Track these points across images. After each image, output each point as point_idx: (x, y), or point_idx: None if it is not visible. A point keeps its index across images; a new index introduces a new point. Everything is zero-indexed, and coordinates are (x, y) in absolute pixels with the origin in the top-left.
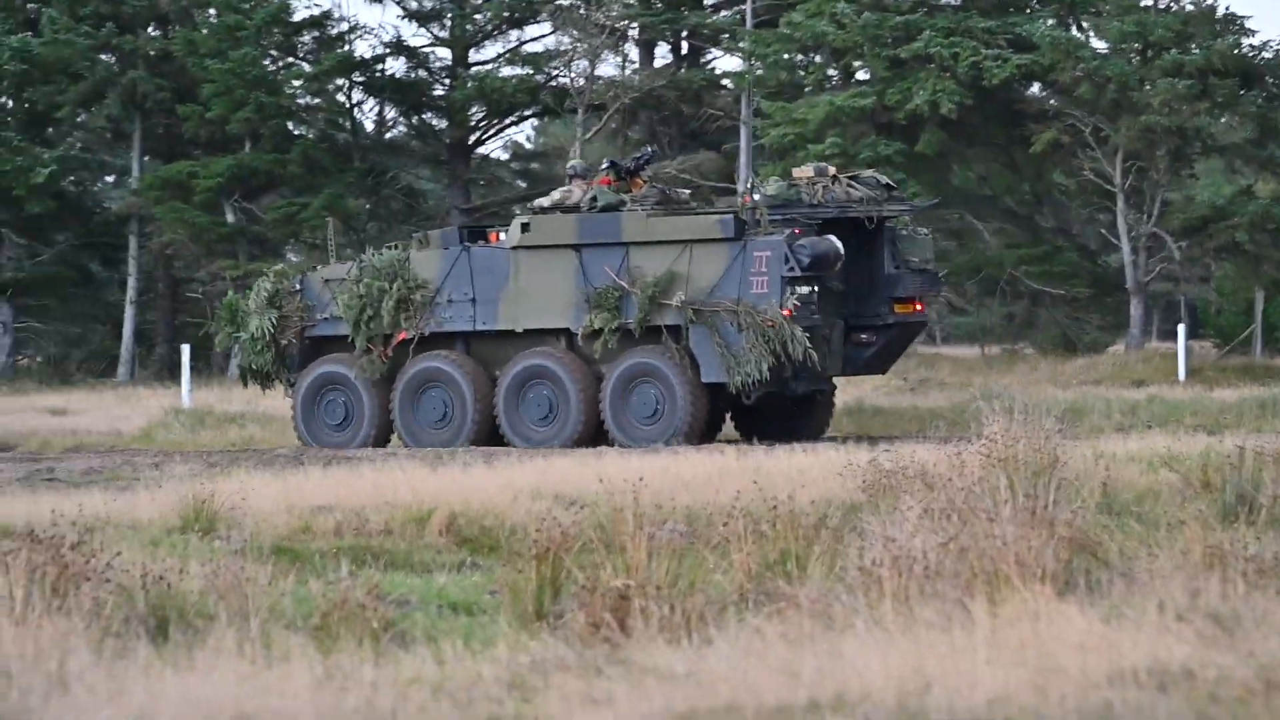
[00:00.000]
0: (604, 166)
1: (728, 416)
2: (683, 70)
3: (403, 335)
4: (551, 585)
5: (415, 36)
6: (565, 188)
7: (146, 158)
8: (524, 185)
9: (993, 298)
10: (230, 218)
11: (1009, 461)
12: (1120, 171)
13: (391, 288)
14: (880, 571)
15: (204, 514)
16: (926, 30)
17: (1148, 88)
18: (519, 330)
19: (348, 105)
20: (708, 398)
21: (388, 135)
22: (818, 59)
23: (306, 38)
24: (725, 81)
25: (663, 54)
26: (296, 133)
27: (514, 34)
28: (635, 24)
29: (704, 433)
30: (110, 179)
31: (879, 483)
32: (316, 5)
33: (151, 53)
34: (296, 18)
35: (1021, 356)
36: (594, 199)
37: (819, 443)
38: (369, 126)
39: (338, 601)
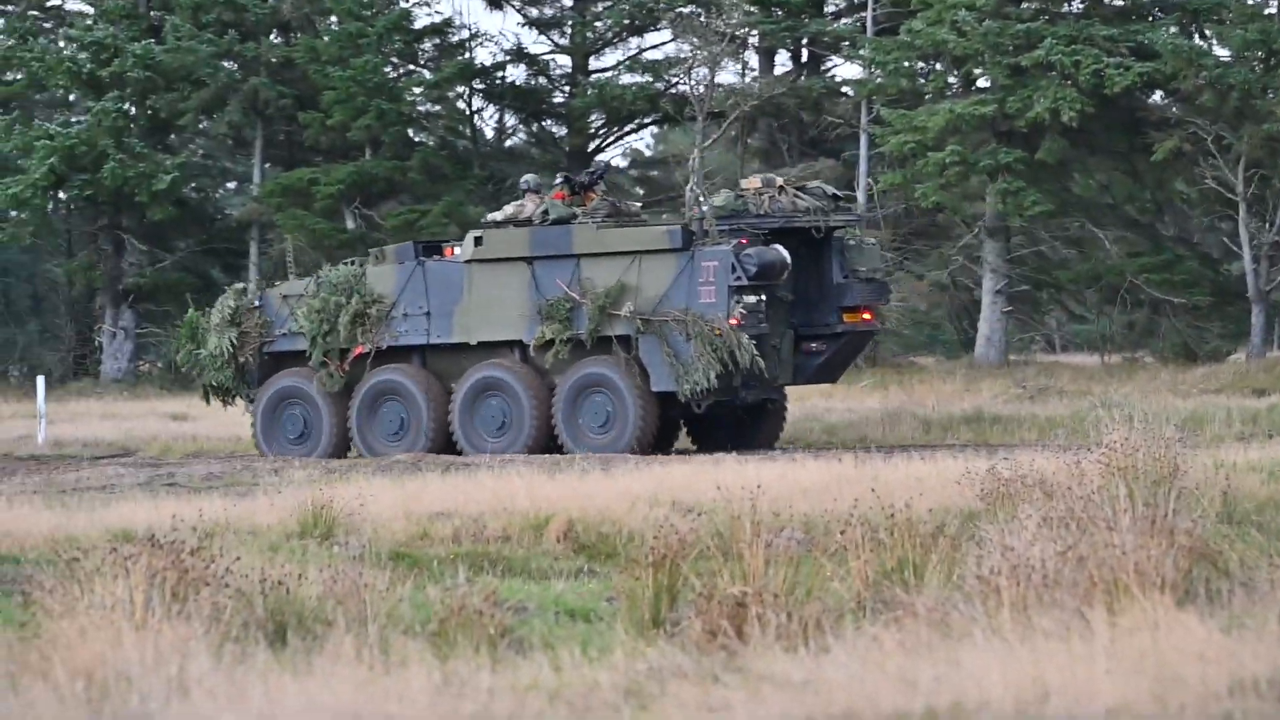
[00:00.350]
0: (558, 181)
1: (682, 426)
2: (803, 78)
3: (359, 349)
4: (668, 592)
5: (535, 44)
6: (519, 202)
7: (267, 164)
8: (643, 193)
9: (1113, 306)
10: (350, 224)
11: (1128, 470)
12: (1242, 180)
13: (348, 303)
14: (998, 580)
15: (323, 520)
16: (1048, 38)
17: (1270, 95)
18: (473, 343)
19: (468, 112)
20: (658, 407)
21: (508, 142)
22: (938, 66)
23: (427, 45)
24: (845, 89)
25: (783, 61)
26: (417, 140)
27: (634, 41)
28: (755, 31)
29: (657, 442)
30: (231, 185)
31: (997, 491)
32: (437, 13)
33: (273, 60)
34: (417, 25)
35: (1141, 365)
36: (545, 212)
37: (936, 450)
38: (489, 133)
39: (455, 608)
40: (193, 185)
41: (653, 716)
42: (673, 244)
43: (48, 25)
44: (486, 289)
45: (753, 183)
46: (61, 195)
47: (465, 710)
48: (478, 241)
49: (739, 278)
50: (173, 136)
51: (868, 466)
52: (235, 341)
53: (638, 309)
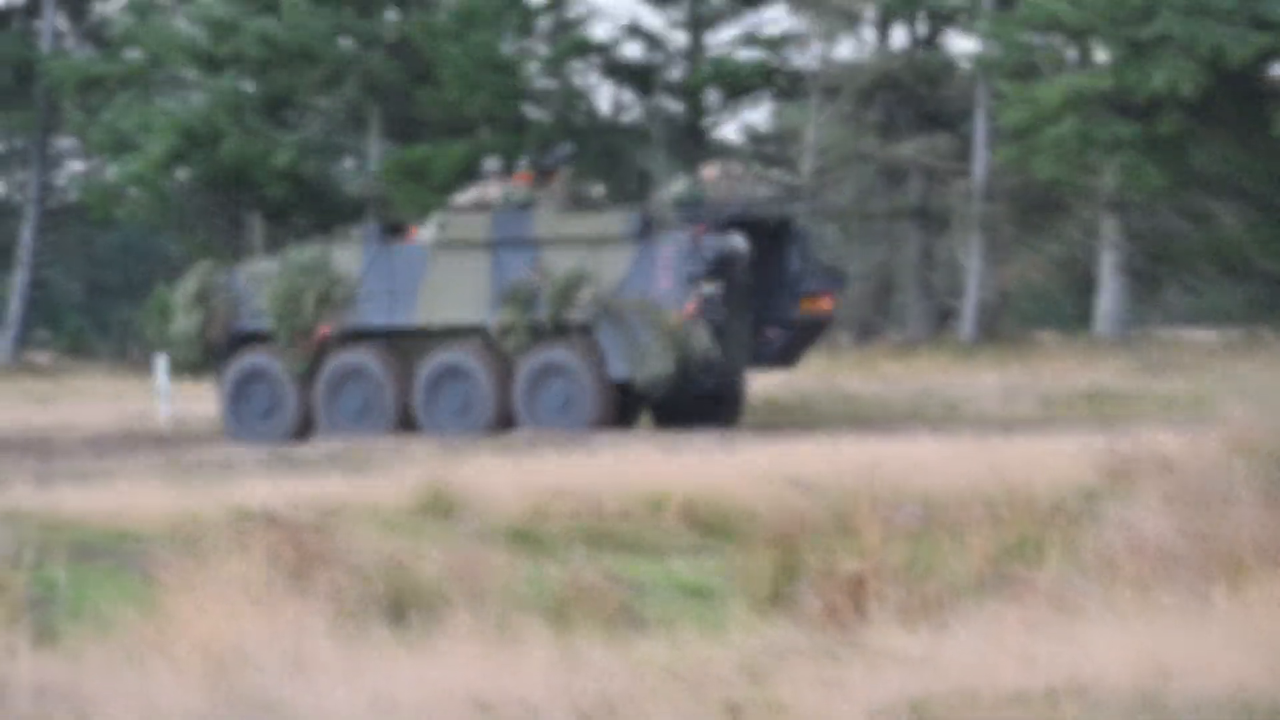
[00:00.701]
0: (522, 164)
1: (643, 408)
2: (919, 52)
3: (324, 330)
4: (786, 569)
5: (652, 19)
6: (482, 185)
7: (384, 141)
8: (759, 168)
9: (1233, 281)
10: None
11: (1250, 447)
12: None
13: (313, 284)
14: (1118, 557)
15: (442, 497)
16: (1165, 10)
17: None
18: (435, 326)
19: (584, 89)
20: (616, 392)
21: (623, 118)
22: (1055, 40)
23: (543, 21)
24: (962, 63)
25: (899, 35)
26: (533, 116)
27: (749, 16)
28: (871, 5)
29: (618, 424)
30: (349, 163)
31: (1117, 468)
32: None
33: (389, 36)
34: (534, 2)
35: (1263, 341)
36: (508, 196)
37: (1055, 425)
38: (605, 110)
39: (574, 585)
40: (310, 162)
41: (770, 693)
42: (631, 231)
43: (167, 3)
44: (449, 272)
45: (711, 171)
46: (180, 173)
47: (583, 687)
48: (440, 225)
49: (696, 266)
50: (290, 114)
51: (986, 442)
52: (203, 320)
53: (596, 295)
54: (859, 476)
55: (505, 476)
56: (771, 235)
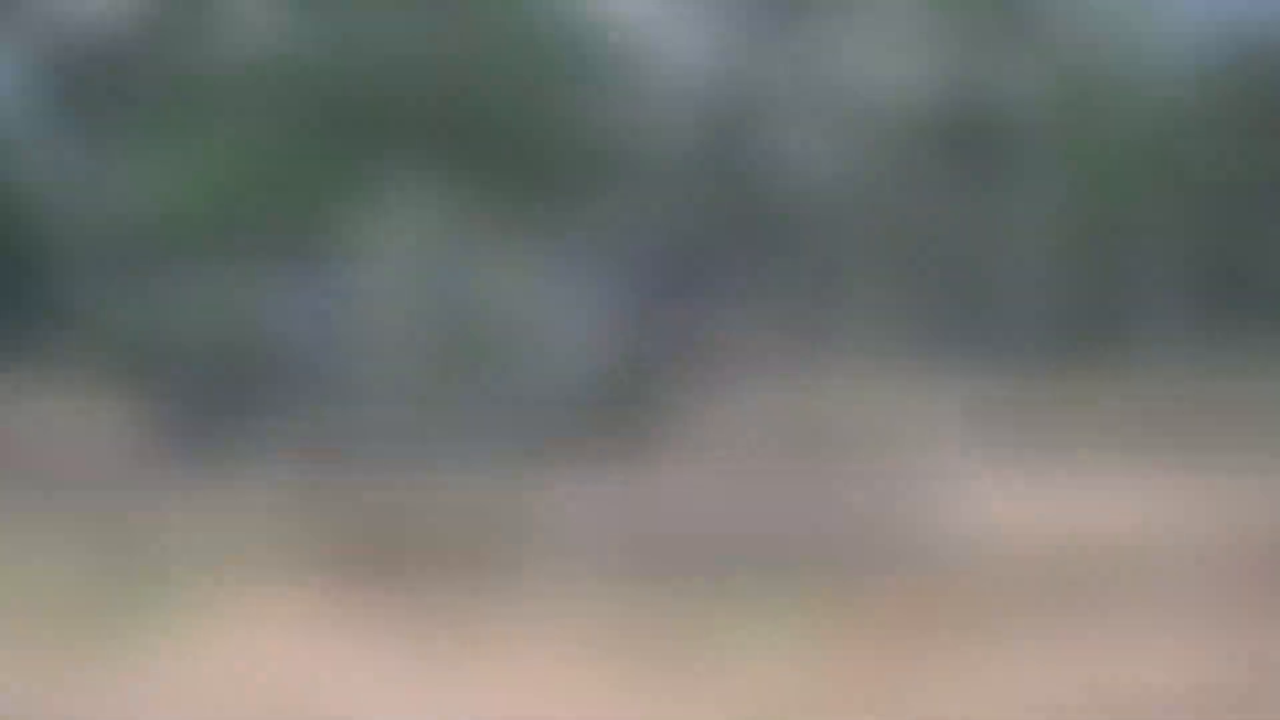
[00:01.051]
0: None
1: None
2: (968, 75)
3: (263, 344)
4: (845, 593)
5: (685, 42)
6: (405, 208)
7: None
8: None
9: None
10: None
11: None
12: None
13: (253, 299)
14: (1183, 586)
15: (507, 515)
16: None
17: None
18: (367, 346)
19: (616, 116)
20: (540, 413)
21: (654, 144)
22: (1112, 67)
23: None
24: (1017, 88)
25: (946, 59)
26: (570, 143)
27: (787, 41)
28: (917, 28)
29: (540, 446)
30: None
31: (1185, 497)
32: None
33: (436, 58)
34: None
35: None
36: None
37: (1116, 452)
38: (640, 136)
39: (635, 607)
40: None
41: (834, 714)
42: (557, 254)
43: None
44: (379, 294)
45: (641, 190)
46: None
47: (644, 714)
48: (369, 247)
49: (621, 288)
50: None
51: (1049, 467)
52: (145, 329)
53: (520, 319)
54: (921, 502)
55: (570, 491)
56: (701, 257)
